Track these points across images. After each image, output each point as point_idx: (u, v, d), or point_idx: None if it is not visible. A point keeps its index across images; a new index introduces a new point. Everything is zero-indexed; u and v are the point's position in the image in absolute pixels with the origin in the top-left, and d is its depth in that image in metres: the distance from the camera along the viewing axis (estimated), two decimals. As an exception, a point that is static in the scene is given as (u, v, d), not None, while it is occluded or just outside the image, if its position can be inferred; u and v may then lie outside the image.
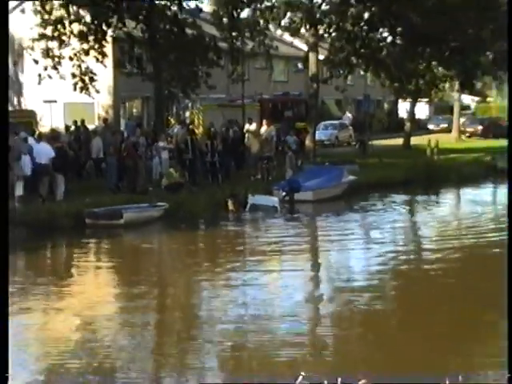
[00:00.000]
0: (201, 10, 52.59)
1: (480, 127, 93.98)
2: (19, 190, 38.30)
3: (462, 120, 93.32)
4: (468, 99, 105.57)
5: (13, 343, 19.02)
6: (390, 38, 72.41)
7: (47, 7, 47.25)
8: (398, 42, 71.57)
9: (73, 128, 49.64)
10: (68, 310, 25.70)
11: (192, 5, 51.94)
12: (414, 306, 26.58)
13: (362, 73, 77.65)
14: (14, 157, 37.17)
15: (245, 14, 53.80)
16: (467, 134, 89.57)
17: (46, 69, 47.01)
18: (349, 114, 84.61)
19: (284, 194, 45.52)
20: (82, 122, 50.25)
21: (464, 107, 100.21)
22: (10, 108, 62.74)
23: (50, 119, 61.01)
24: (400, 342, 21.94)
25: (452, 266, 32.36)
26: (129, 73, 54.91)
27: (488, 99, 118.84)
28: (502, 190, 58.66)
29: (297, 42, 74.57)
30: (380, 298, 27.67)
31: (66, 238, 36.22)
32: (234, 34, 52.10)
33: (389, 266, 32.67)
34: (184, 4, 50.45)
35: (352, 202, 47.32)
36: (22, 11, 55.42)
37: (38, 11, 47.32)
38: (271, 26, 63.16)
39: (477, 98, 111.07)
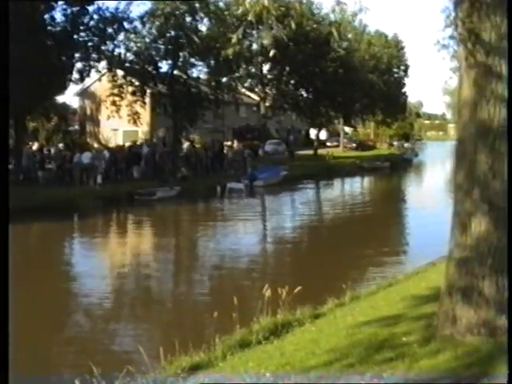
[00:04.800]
0: (199, 78, 52.52)
1: (354, 144, 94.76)
2: (99, 179, 39.15)
3: (345, 140, 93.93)
4: (347, 129, 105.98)
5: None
6: (305, 94, 73.12)
7: (115, 78, 47.61)
8: (310, 96, 72.32)
9: (128, 144, 50.00)
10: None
11: (195, 73, 52.02)
12: (318, 242, 27.21)
13: (289, 113, 77.83)
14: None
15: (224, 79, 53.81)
16: (347, 148, 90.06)
17: (112, 111, 47.16)
18: (291, 136, 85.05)
19: (247, 182, 45.97)
20: (134, 141, 50.89)
21: (345, 133, 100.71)
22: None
23: (115, 140, 61.06)
24: (310, 263, 21.96)
25: (341, 219, 33.32)
26: (158, 113, 55.10)
27: (358, 129, 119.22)
28: (365, 179, 60.20)
29: (253, 95, 74.76)
30: (300, 240, 28.63)
31: (125, 206, 36.51)
32: (218, 91, 52.26)
33: (307, 222, 33.58)
34: (188, 72, 50.64)
35: (285, 187, 47.59)
36: (99, 80, 55.46)
37: (109, 80, 47.56)
38: (239, 86, 63.50)
39: (351, 128, 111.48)
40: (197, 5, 47.70)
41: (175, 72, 49.78)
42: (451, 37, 8.83)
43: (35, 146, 44.41)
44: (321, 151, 74.59)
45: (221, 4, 50.85)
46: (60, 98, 58.90)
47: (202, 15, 49.15)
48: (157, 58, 49.00)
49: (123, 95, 47.89)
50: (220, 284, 19.06)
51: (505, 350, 7.53)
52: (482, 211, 8.21)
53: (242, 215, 34.01)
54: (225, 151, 55.44)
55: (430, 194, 44.81)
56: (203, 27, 50.42)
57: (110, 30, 43.66)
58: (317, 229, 31.09)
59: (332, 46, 64.58)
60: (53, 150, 43.85)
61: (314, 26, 65.08)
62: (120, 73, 47.98)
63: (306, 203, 42.76)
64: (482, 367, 7.20)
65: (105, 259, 23.71)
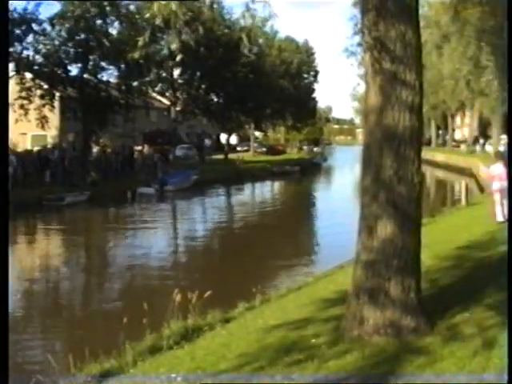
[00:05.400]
0: (109, 82, 51.91)
1: (264, 149, 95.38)
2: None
3: (255, 145, 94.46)
4: (258, 134, 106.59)
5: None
6: (216, 99, 73.20)
7: (23, 80, 46.43)
8: (221, 101, 72.42)
9: (37, 148, 48.93)
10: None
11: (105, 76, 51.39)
12: (229, 247, 27.26)
13: (200, 118, 77.69)
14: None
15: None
16: (258, 153, 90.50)
17: (20, 115, 45.92)
18: (206, 141, 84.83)
19: (157, 186, 45.76)
20: (44, 145, 49.87)
21: (256, 138, 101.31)
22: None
23: (23, 144, 59.57)
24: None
25: (252, 223, 33.51)
26: (68, 117, 54.20)
27: (268, 133, 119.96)
28: (275, 184, 60.63)
29: (164, 100, 74.34)
30: (211, 245, 28.65)
31: (34, 211, 35.55)
32: (128, 95, 51.81)
33: (218, 226, 33.62)
34: (98, 76, 50.04)
35: (196, 191, 47.52)
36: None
37: (17, 83, 46.29)
38: (150, 91, 63.11)
39: (262, 133, 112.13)
40: (107, 8, 47.17)
41: (85, 75, 49.10)
42: (359, 44, 9.01)
43: None
44: (231, 156, 74.83)
45: (132, 7, 50.44)
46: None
47: (112, 18, 48.66)
48: (66, 61, 48.17)
49: (31, 98, 46.73)
50: (131, 290, 18.84)
51: (410, 350, 7.79)
52: (387, 214, 8.39)
53: (153, 220, 33.74)
54: (135, 156, 55.00)
55: (339, 197, 45.52)
56: (114, 30, 49.96)
57: (17, 32, 42.67)
58: (228, 233, 31.14)
59: (242, 51, 64.78)
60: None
61: (225, 30, 65.24)
62: (28, 75, 46.83)
63: (217, 208, 42.82)
64: (388, 366, 7.34)
65: (11, 266, 23.00)
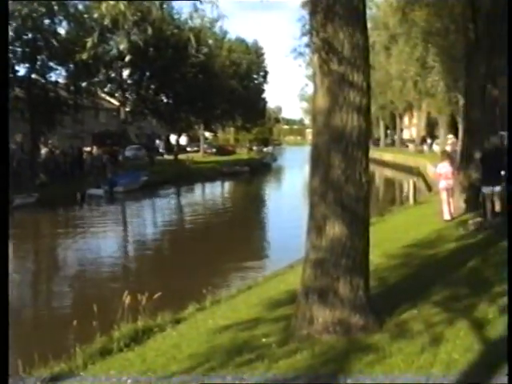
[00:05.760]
0: (57, 82, 51.29)
1: (214, 149, 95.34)
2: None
3: (205, 145, 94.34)
4: (207, 134, 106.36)
5: None
6: (166, 100, 72.85)
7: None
8: (170, 102, 72.09)
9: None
10: None
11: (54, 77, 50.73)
12: (179, 248, 27.14)
13: (150, 118, 77.24)
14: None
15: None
16: (207, 153, 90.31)
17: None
18: (158, 142, 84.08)
19: (106, 188, 45.39)
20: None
21: (206, 138, 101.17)
22: None
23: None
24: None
25: (202, 224, 33.43)
26: (15, 118, 53.39)
27: (218, 134, 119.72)
28: (226, 184, 60.62)
29: (113, 100, 73.68)
30: (161, 246, 28.51)
31: None
32: (77, 96, 51.31)
33: (168, 228, 33.46)
34: (47, 76, 49.44)
35: (146, 192, 47.27)
36: None
37: None
38: (99, 91, 62.55)
39: (211, 133, 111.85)
40: (55, 7, 46.55)
41: (33, 76, 48.40)
42: (307, 45, 9.04)
43: None
44: (181, 156, 74.56)
45: (80, 7, 49.85)
46: None
47: (60, 18, 48.02)
48: (14, 61, 47.33)
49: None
50: (80, 294, 18.63)
51: (359, 347, 7.88)
52: (335, 214, 8.46)
53: (103, 223, 33.38)
54: (84, 157, 54.48)
55: (289, 197, 45.69)
56: (62, 30, 49.32)
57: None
58: (178, 235, 30.96)
59: (190, 52, 64.53)
60: None
61: (175, 31, 64.92)
62: (-26, 75, 45.89)
63: (168, 209, 42.58)
64: (337, 364, 7.42)
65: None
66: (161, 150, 79.09)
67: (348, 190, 8.47)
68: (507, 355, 3.21)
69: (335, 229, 8.47)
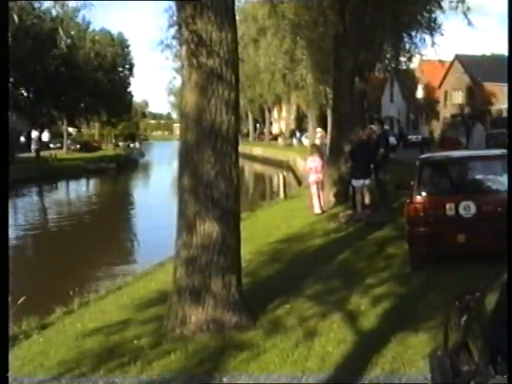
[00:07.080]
0: None
1: (78, 146, 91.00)
2: None
3: (69, 141, 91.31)
4: (71, 130, 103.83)
5: None
6: (26, 93, 70.84)
7: None
8: (31, 95, 70.17)
9: None
10: None
11: None
12: (43, 250, 26.36)
13: (9, 113, 74.45)
14: None
15: None
16: (71, 150, 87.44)
17: None
18: (22, 138, 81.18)
19: None
20: None
21: (69, 134, 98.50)
22: None
23: None
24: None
25: (67, 224, 32.55)
26: None
27: (82, 129, 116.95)
28: (91, 182, 59.61)
29: None
30: (23, 249, 27.60)
31: None
32: None
33: (30, 229, 32.47)
34: None
35: None
36: None
37: None
38: None
39: (75, 129, 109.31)
40: None
41: None
42: (174, 37, 8.97)
43: None
44: (44, 153, 72.39)
45: None
46: None
47: None
48: None
49: None
50: None
51: (234, 345, 7.97)
52: (206, 210, 8.51)
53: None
54: None
55: (157, 194, 45.30)
56: None
57: None
58: (41, 236, 30.14)
59: (58, 43, 62.68)
60: None
61: (35, 21, 63.05)
62: None
63: (30, 209, 41.30)
64: (212, 363, 7.46)
65: None
66: (33, 147, 75.83)
67: (218, 185, 8.53)
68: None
69: (206, 225, 8.51)
